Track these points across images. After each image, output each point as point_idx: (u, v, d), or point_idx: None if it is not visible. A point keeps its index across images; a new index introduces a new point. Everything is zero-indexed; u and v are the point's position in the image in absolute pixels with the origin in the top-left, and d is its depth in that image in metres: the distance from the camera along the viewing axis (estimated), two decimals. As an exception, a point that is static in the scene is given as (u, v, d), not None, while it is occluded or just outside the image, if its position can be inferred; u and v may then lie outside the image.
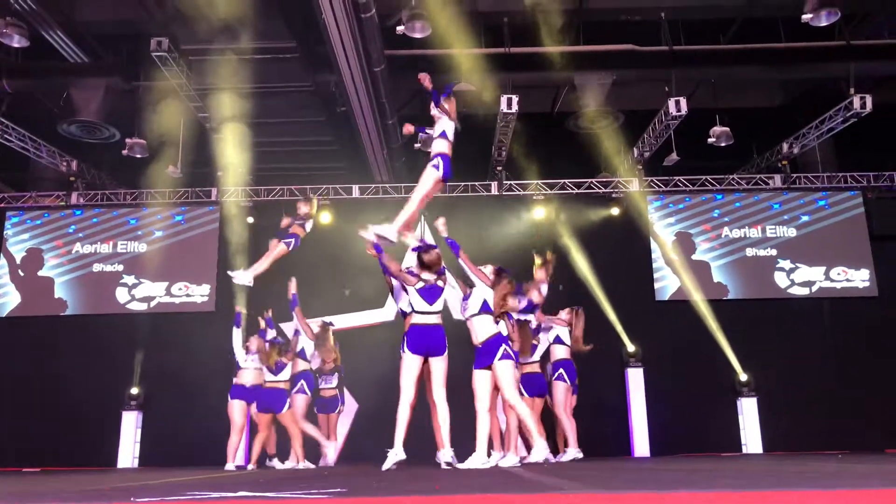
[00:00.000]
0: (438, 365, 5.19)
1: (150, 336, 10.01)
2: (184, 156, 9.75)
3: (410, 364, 5.10)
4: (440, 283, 5.35)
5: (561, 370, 6.75)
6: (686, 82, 9.41)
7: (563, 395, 6.70)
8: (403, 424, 5.05)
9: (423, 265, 5.33)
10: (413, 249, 5.69)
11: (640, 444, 9.49)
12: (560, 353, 6.84)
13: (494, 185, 10.40)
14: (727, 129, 9.42)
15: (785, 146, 10.11)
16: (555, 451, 6.78)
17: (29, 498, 1.68)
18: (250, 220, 10.41)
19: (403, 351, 5.14)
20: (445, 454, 5.21)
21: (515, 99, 8.43)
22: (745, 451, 9.50)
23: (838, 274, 10.19)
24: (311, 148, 10.76)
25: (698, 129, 9.45)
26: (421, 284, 5.26)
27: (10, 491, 2.48)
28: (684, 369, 9.66)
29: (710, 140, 9.45)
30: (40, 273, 10.43)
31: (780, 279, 10.23)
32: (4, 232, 10.54)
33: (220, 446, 7.26)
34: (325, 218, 10.44)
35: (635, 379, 9.74)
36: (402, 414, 5.04)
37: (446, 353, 5.23)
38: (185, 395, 9.44)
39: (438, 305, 5.26)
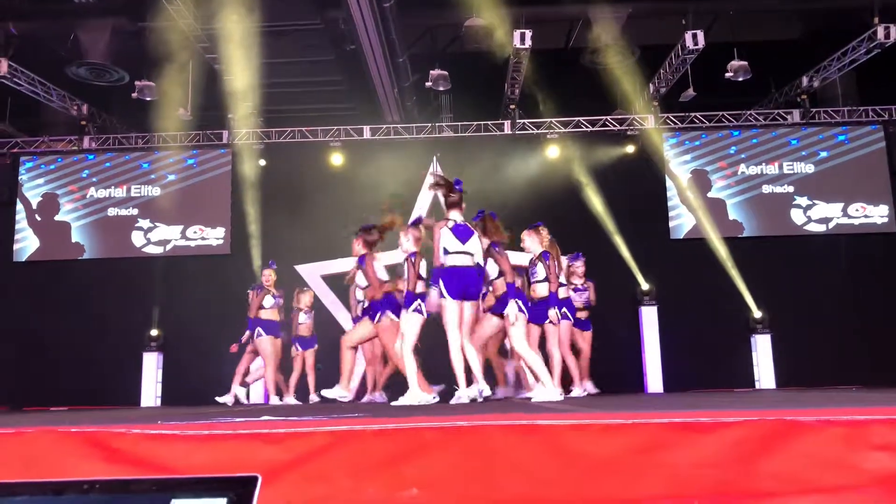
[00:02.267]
0: (468, 311, 5.01)
1: (167, 279, 10.14)
2: (193, 98, 9.69)
3: (453, 310, 4.89)
4: (469, 225, 5.18)
5: (564, 308, 6.80)
6: (703, 15, 9.15)
7: (566, 333, 6.75)
8: (461, 365, 4.90)
9: (450, 206, 5.19)
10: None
11: (654, 380, 9.60)
12: (561, 292, 6.85)
13: (507, 123, 10.28)
14: (745, 63, 9.20)
15: (804, 80, 9.87)
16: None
17: (66, 423, 1.74)
18: (262, 162, 10.39)
19: (443, 296, 4.93)
20: (482, 385, 5.10)
21: (529, 34, 8.25)
22: (758, 387, 9.59)
23: (856, 210, 10.07)
24: (322, 88, 10.66)
25: (715, 64, 9.24)
26: (451, 223, 5.07)
27: (42, 421, 2.56)
28: (699, 307, 9.69)
29: (728, 75, 9.24)
30: (57, 218, 10.52)
31: (797, 216, 10.14)
32: (19, 177, 10.60)
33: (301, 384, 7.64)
34: (337, 160, 10.40)
35: (649, 317, 9.79)
36: (456, 357, 4.90)
37: (480, 297, 5.11)
38: (203, 336, 9.60)
39: (471, 246, 5.06)
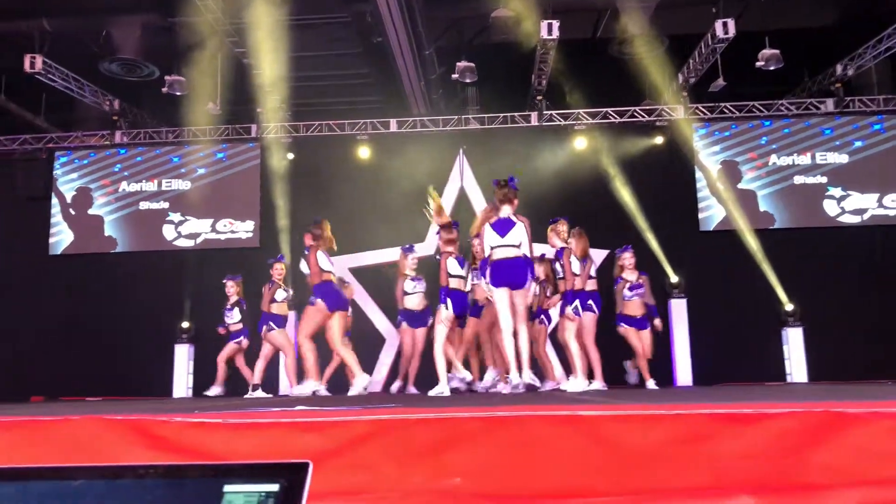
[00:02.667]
0: (517, 299, 5.35)
1: (198, 271, 10.26)
2: (222, 92, 9.77)
3: (500, 298, 5.28)
4: (513, 217, 5.46)
5: (590, 301, 6.78)
6: (734, 3, 8.99)
7: (591, 325, 6.76)
8: (513, 352, 5.25)
9: (500, 201, 5.53)
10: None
11: (683, 373, 9.51)
12: (588, 285, 6.84)
13: (534, 115, 10.22)
14: (777, 51, 9.02)
15: (839, 68, 9.66)
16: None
17: (107, 411, 1.77)
18: (290, 155, 10.46)
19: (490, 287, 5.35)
20: (526, 375, 5.38)
21: (556, 24, 8.17)
22: (789, 380, 9.46)
23: (893, 201, 9.86)
24: (349, 81, 10.68)
25: (746, 53, 9.07)
26: (494, 218, 5.44)
27: (84, 410, 2.61)
28: (729, 300, 9.57)
29: (759, 64, 9.07)
30: (90, 212, 10.69)
31: (830, 207, 9.96)
32: (54, 172, 10.79)
33: (270, 376, 7.57)
34: (364, 153, 10.43)
35: (678, 310, 9.69)
36: (508, 344, 5.26)
37: (527, 285, 5.43)
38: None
39: (512, 238, 5.36)
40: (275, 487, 0.98)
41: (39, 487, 0.97)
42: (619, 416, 1.67)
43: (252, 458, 1.41)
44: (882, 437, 1.56)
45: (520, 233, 5.37)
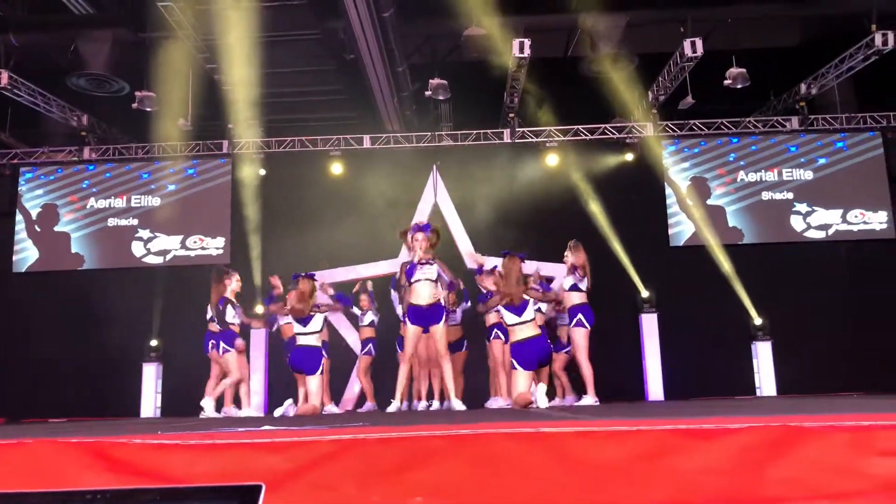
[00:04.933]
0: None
1: (167, 289, 10.11)
2: (193, 108, 9.70)
3: (520, 377, 5.94)
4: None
5: (580, 315, 6.82)
6: (701, 23, 9.17)
7: (583, 340, 6.81)
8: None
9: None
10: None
11: (655, 388, 9.57)
12: (576, 298, 6.87)
13: (507, 132, 10.30)
14: (743, 70, 9.22)
15: (803, 87, 9.89)
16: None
17: (65, 434, 1.73)
18: (262, 171, 10.40)
19: (514, 368, 5.99)
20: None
21: (528, 43, 8.26)
22: (759, 394, 9.57)
23: (855, 217, 10.08)
24: (321, 98, 10.68)
25: (714, 72, 9.26)
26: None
27: (42, 432, 2.55)
28: (699, 314, 9.68)
29: (727, 82, 9.27)
30: (56, 228, 10.51)
31: (797, 223, 10.14)
32: (19, 188, 10.60)
33: (239, 397, 7.47)
34: (337, 169, 10.41)
35: (649, 324, 9.77)
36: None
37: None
38: (203, 347, 9.56)
39: (526, 315, 6.03)
40: (228, 511, 0.97)
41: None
42: (581, 432, 1.68)
43: (211, 481, 1.39)
44: (837, 451, 1.58)
45: (530, 310, 6.05)
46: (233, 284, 7.42)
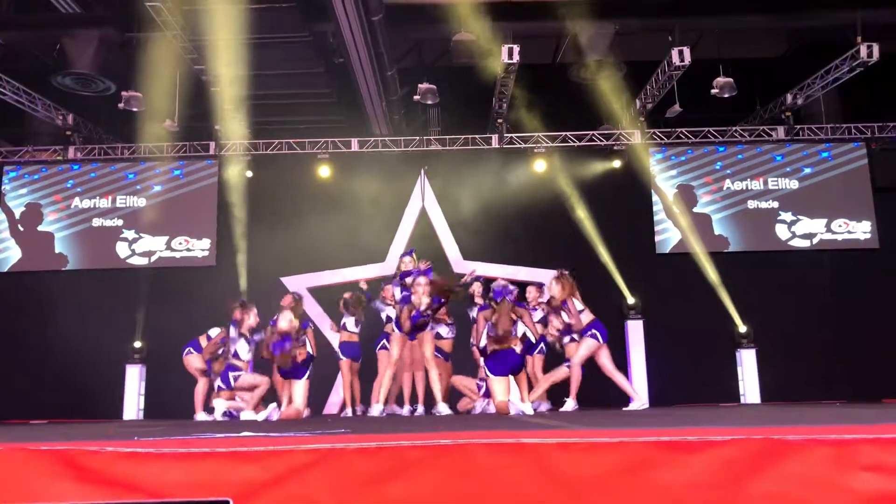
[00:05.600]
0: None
1: (152, 290, 10.02)
2: (180, 109, 9.63)
3: (496, 384, 6.10)
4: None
5: (594, 330, 6.91)
6: (689, 32, 9.24)
7: (587, 351, 6.94)
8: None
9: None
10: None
11: (640, 394, 9.56)
12: (586, 317, 7.01)
13: (495, 137, 10.29)
14: (730, 80, 9.29)
15: (789, 97, 9.96)
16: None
17: (38, 439, 1.69)
18: (249, 173, 10.34)
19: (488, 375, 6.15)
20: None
21: (516, 49, 8.27)
22: (743, 401, 9.60)
23: (840, 226, 10.15)
24: (310, 101, 10.64)
25: (701, 81, 9.32)
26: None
27: (20, 435, 2.50)
28: (684, 322, 9.70)
29: (714, 91, 9.33)
30: (40, 228, 10.39)
31: (782, 231, 10.20)
32: (2, 187, 10.48)
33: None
34: (325, 172, 10.37)
35: (635, 331, 9.78)
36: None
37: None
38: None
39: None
40: (194, 526, 0.94)
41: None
42: (563, 443, 1.66)
43: (182, 491, 1.36)
44: (820, 465, 1.57)
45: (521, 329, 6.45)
46: (250, 319, 7.25)
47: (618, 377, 6.93)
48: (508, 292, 6.39)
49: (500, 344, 6.02)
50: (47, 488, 1.42)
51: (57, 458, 1.51)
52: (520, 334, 6.63)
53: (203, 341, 7.88)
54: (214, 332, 7.82)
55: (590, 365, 7.29)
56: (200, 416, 7.69)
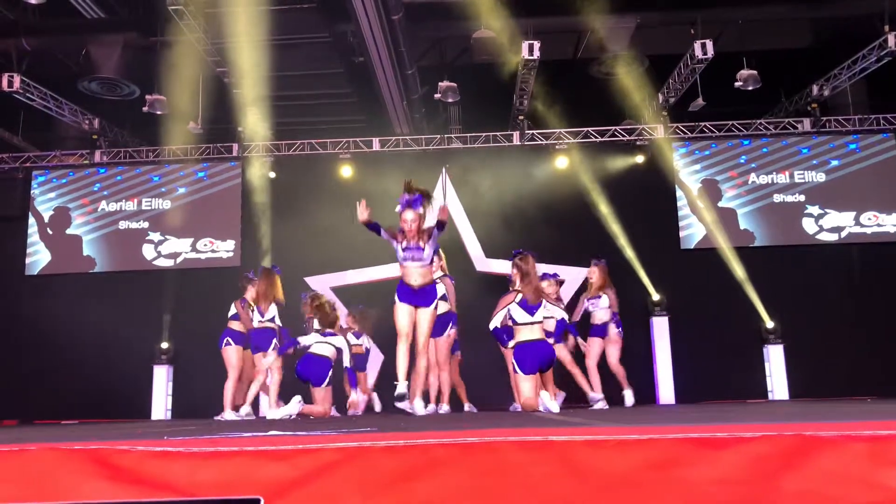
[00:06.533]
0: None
1: (178, 292, 10.14)
2: (204, 111, 9.73)
3: (523, 382, 5.70)
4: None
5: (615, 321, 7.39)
6: (712, 25, 9.12)
7: (598, 348, 7.35)
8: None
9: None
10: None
11: (666, 392, 9.51)
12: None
13: (516, 134, 10.26)
14: (754, 72, 9.16)
15: (815, 88, 9.81)
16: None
17: (70, 439, 1.72)
18: (272, 174, 10.42)
19: (516, 372, 5.76)
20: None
21: (537, 45, 8.24)
22: (770, 397, 9.48)
23: (869, 219, 9.98)
24: (331, 101, 10.69)
25: (725, 74, 9.20)
26: (519, 297, 5.79)
27: (52, 435, 2.54)
28: (710, 317, 9.61)
29: (737, 84, 9.20)
30: (68, 231, 10.57)
31: (809, 225, 10.05)
32: (32, 191, 10.67)
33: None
34: (347, 172, 10.41)
35: (660, 328, 9.71)
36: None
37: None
38: (213, 349, 9.55)
39: (539, 315, 5.80)
40: (225, 525, 0.95)
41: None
42: (591, 440, 1.65)
43: (213, 489, 1.37)
44: (854, 462, 1.54)
45: (542, 311, 5.87)
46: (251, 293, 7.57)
47: (576, 371, 7.02)
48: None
49: (533, 295, 5.76)
50: (80, 486, 1.44)
51: (89, 458, 1.54)
52: (551, 324, 6.43)
53: (235, 325, 7.79)
54: (232, 310, 7.82)
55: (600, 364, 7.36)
56: (229, 414, 7.73)
